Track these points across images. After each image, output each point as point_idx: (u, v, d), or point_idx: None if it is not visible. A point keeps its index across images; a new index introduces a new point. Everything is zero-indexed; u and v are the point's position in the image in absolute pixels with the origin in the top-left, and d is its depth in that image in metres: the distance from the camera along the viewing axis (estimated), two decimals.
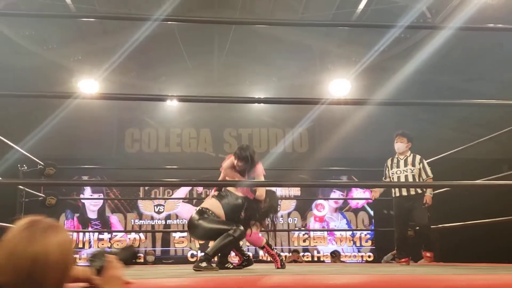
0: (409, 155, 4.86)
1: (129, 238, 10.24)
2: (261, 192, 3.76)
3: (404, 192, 4.76)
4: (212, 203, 3.63)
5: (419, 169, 4.77)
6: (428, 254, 4.66)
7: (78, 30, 8.75)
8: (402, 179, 4.79)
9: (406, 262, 4.76)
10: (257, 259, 9.72)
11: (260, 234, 4.09)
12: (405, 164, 4.81)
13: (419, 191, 4.69)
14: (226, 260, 3.75)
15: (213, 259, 3.55)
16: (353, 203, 10.56)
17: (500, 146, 9.47)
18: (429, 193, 4.68)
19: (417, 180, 4.75)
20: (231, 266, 3.71)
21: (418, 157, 4.84)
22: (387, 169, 4.97)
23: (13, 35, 7.96)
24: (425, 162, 4.83)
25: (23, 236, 1.15)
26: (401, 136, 4.91)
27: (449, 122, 10.06)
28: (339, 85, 8.77)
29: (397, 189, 4.84)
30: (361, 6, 7.88)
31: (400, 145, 4.89)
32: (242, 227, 3.45)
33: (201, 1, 9.25)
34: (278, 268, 3.82)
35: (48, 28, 8.33)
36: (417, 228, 4.91)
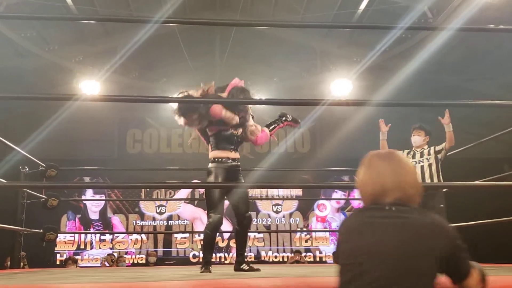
0: (426, 149, 4.76)
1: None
2: (227, 115, 3.35)
3: None
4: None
5: (435, 151, 4.60)
6: None
7: (79, 31, 8.76)
8: (418, 170, 4.67)
9: None
10: (259, 260, 9.74)
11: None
12: (421, 155, 4.71)
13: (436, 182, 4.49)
14: (242, 260, 3.49)
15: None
16: (355, 203, 10.54)
17: (502, 146, 9.46)
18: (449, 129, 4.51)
19: (433, 169, 4.61)
20: (247, 268, 3.42)
21: (433, 147, 4.71)
22: None
23: (15, 37, 7.97)
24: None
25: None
26: (419, 129, 4.80)
27: (451, 122, 10.04)
28: (341, 85, 8.75)
29: None
30: (362, 6, 7.88)
31: (417, 138, 4.76)
32: (214, 216, 3.32)
33: (202, 3, 9.25)
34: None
35: (49, 29, 8.35)
36: None
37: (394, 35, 7.73)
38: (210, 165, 3.45)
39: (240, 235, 3.54)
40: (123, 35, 8.53)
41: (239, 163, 3.52)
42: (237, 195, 3.45)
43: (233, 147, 3.49)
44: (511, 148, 9.16)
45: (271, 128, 3.82)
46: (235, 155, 3.49)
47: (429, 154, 4.65)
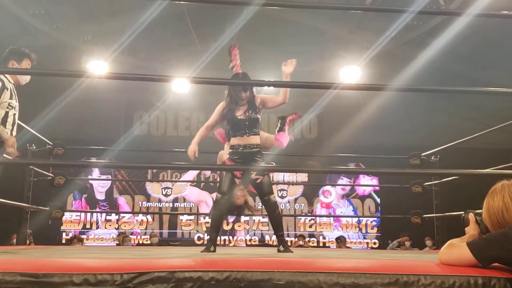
0: None
1: None
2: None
3: None
4: None
5: None
6: None
7: (88, 10, 8.69)
8: None
9: None
10: (264, 243, 9.80)
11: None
12: None
13: None
14: (279, 242, 3.57)
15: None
16: (360, 190, 10.55)
17: (510, 136, 9.37)
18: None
19: None
20: (282, 249, 3.49)
21: None
22: None
23: (23, 14, 7.94)
24: None
25: None
26: None
27: (460, 111, 9.96)
28: (350, 72, 8.68)
29: None
30: None
31: None
32: (217, 196, 3.50)
33: None
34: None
35: (58, 7, 8.29)
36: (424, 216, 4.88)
37: (404, 21, 7.64)
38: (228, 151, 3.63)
39: (269, 218, 3.65)
40: (131, 15, 8.45)
41: (254, 149, 3.53)
42: (253, 179, 3.50)
43: (243, 131, 3.52)
44: None
45: (282, 129, 3.86)
46: (247, 140, 3.53)
47: None
